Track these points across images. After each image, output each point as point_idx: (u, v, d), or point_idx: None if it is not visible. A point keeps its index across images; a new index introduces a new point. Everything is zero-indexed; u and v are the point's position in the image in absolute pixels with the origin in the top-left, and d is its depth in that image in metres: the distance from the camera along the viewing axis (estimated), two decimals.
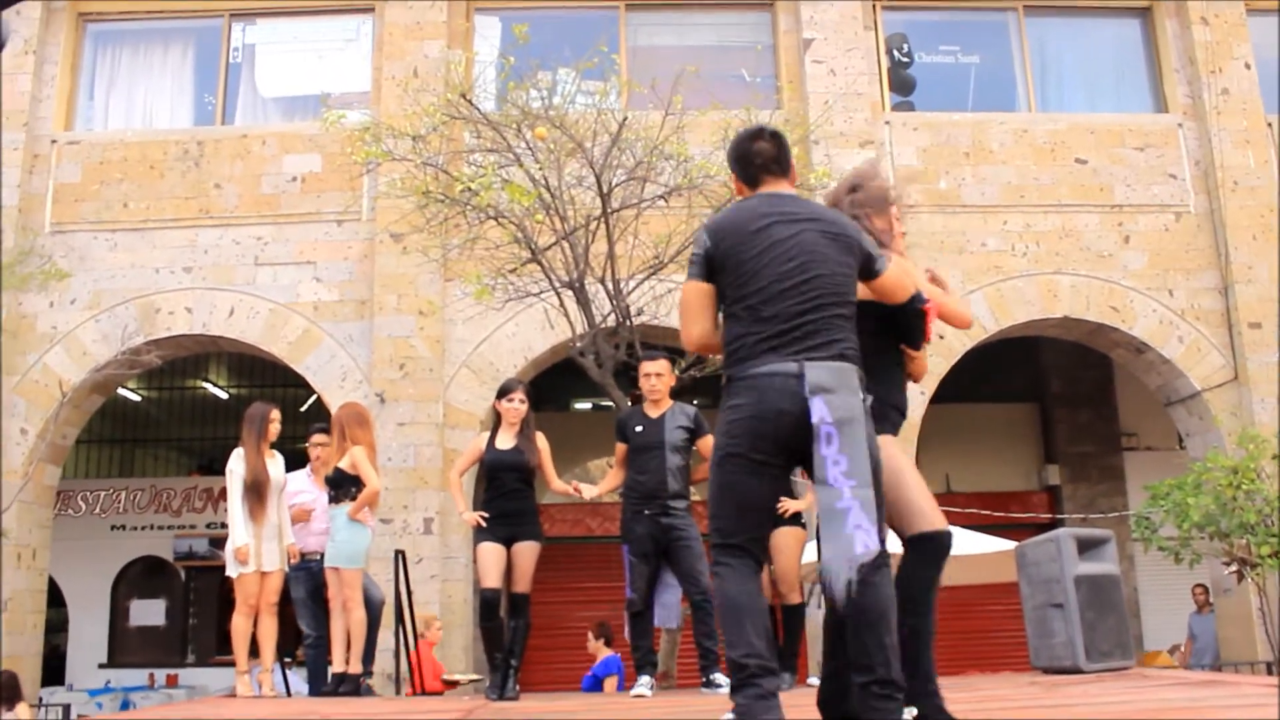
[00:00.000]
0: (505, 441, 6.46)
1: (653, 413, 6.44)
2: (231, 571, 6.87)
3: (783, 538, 6.37)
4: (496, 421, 6.60)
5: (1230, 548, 10.00)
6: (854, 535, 2.93)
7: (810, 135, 10.89)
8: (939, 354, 11.37)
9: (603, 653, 9.42)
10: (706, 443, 6.44)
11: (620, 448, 6.51)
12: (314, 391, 11.81)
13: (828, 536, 2.97)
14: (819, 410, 3.01)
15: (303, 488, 7.64)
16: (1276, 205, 11.80)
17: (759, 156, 3.50)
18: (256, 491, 6.89)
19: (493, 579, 6.22)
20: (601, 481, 6.74)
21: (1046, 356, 15.02)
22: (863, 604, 2.96)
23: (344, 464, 7.01)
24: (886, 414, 3.44)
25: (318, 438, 7.78)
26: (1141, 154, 12.10)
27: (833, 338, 3.14)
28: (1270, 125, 12.12)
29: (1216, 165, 11.86)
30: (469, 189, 8.26)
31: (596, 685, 9.25)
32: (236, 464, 6.98)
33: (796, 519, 6.47)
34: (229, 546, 6.92)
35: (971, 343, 11.52)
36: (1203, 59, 12.20)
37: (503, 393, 6.61)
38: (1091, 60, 13.14)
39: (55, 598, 13.73)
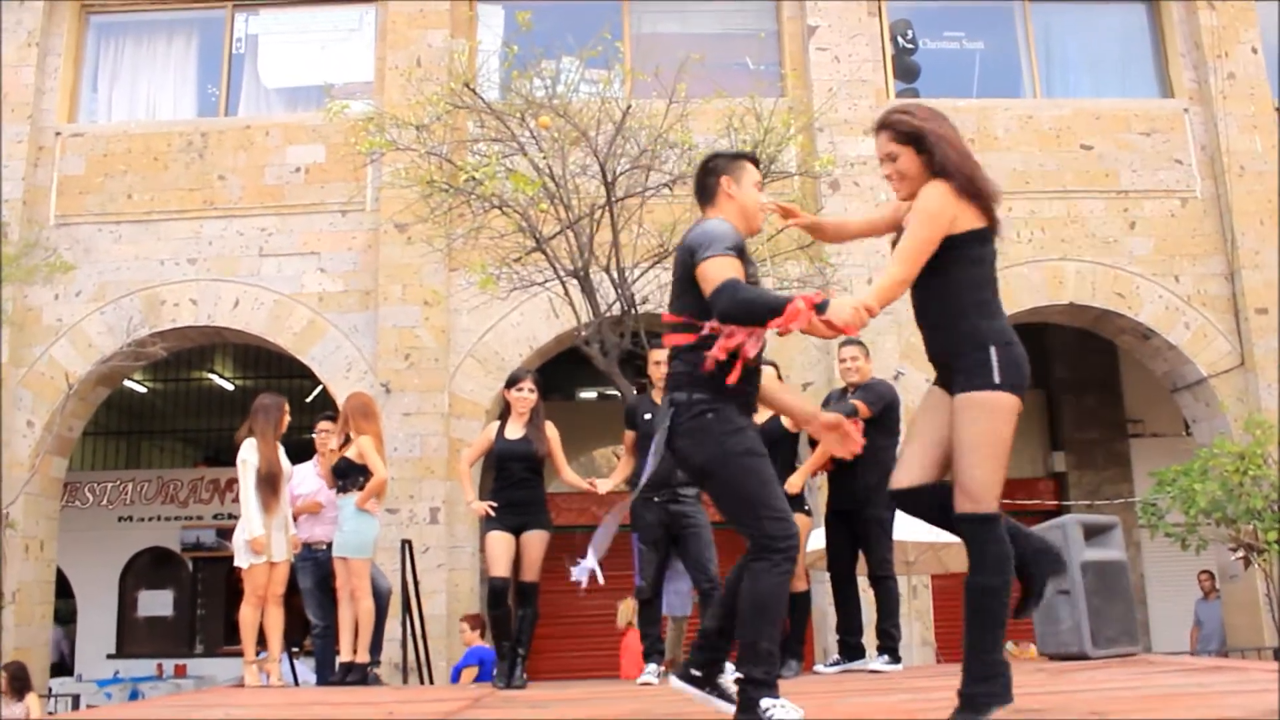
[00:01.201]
0: (514, 431, 6.48)
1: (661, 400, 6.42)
2: (241, 562, 6.87)
3: None
4: (506, 411, 6.61)
5: (1237, 534, 9.99)
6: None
7: (815, 123, 10.87)
8: None
9: (475, 643, 9.26)
10: None
11: (629, 435, 6.50)
12: (319, 382, 11.83)
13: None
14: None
15: (307, 478, 7.66)
16: None
17: None
18: (271, 483, 6.89)
19: (501, 568, 6.24)
20: (614, 473, 6.70)
21: (1052, 343, 14.99)
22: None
23: (351, 454, 7.05)
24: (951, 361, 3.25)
25: (324, 424, 7.80)
26: (1147, 139, 12.05)
27: (671, 376, 3.64)
28: (1277, 110, 12.06)
29: (1223, 150, 11.82)
30: (473, 178, 8.25)
31: (458, 677, 9.12)
32: (249, 454, 6.95)
33: (801, 505, 6.43)
34: (238, 537, 6.92)
35: None
36: (1209, 44, 12.14)
37: (512, 382, 6.61)
38: (1097, 45, 13.08)
39: (63, 589, 13.78)
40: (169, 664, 14.93)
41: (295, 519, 7.33)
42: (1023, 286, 11.60)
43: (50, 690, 11.55)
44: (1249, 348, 11.41)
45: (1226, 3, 12.30)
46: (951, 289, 3.23)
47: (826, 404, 6.74)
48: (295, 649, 9.90)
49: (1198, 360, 11.55)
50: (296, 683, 8.74)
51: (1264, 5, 12.50)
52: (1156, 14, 12.81)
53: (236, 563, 6.94)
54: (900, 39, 12.68)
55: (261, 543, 6.78)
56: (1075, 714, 3.58)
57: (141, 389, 16.13)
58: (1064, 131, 12.04)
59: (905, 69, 12.69)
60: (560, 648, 13.22)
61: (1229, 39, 12.16)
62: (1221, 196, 11.84)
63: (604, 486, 6.38)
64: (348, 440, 7.22)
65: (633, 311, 8.34)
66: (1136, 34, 12.97)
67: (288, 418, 7.20)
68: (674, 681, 3.62)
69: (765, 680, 3.30)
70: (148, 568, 15.75)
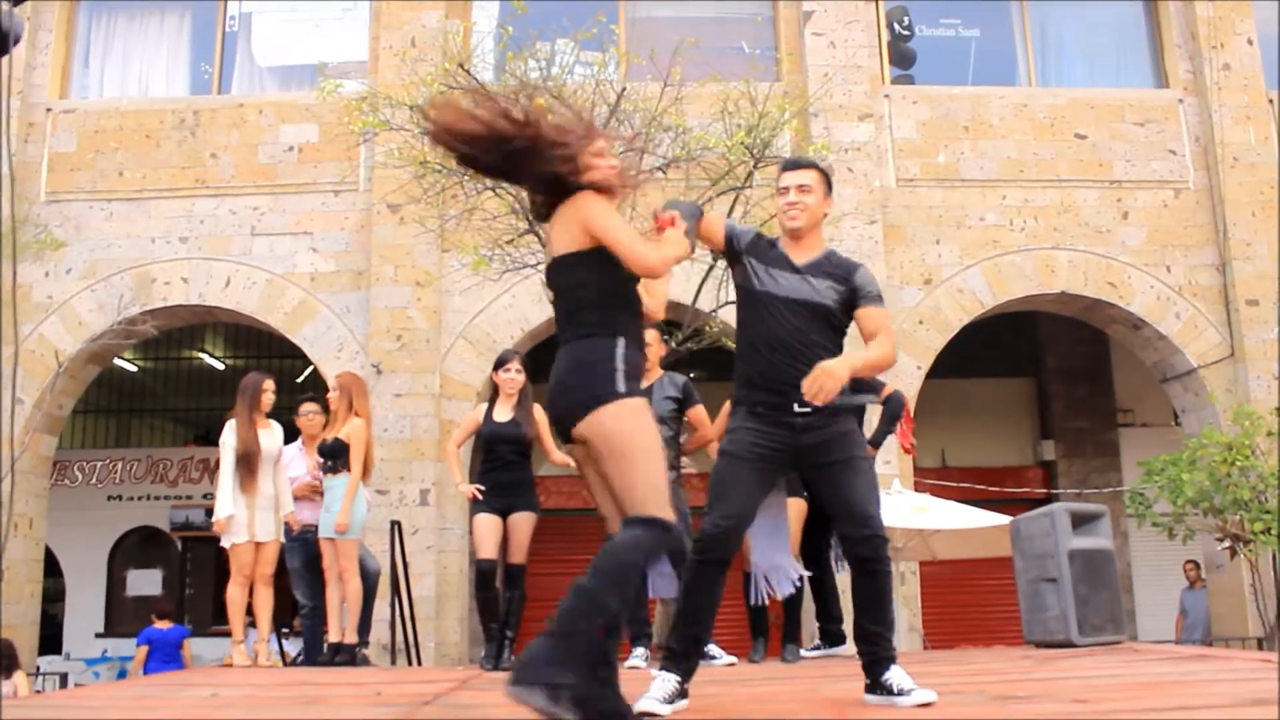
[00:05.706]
0: (503, 413, 6.47)
1: (641, 383, 6.38)
2: (225, 542, 6.87)
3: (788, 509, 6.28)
4: (494, 393, 6.60)
5: (1223, 524, 10.04)
6: None
7: (809, 108, 10.84)
8: (935, 329, 11.37)
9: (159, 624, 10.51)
10: (697, 413, 6.40)
11: None
12: (310, 362, 11.80)
13: None
14: None
15: (294, 460, 7.57)
16: (1276, 182, 11.78)
17: None
18: (247, 463, 6.88)
19: (489, 550, 6.24)
20: None
21: (1043, 331, 15.02)
22: None
23: (344, 434, 6.99)
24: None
25: (308, 405, 7.72)
26: (1141, 129, 12.05)
27: None
28: (1271, 101, 12.07)
29: (1216, 141, 11.82)
30: None
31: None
32: (228, 436, 6.98)
33: (798, 490, 6.34)
34: (218, 517, 6.91)
35: (968, 318, 11.52)
36: (1205, 34, 12.13)
37: (499, 364, 6.60)
38: (1092, 35, 13.07)
39: (52, 567, 13.76)
40: None
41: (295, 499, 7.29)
42: (1015, 275, 11.62)
43: (38, 668, 11.54)
44: (1239, 339, 11.44)
45: None
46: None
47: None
48: (285, 629, 9.91)
49: (1188, 351, 11.58)
50: (284, 663, 8.75)
51: None
52: (1153, 4, 12.79)
53: (221, 543, 6.94)
54: (896, 25, 12.65)
55: (224, 525, 6.76)
56: (1059, 701, 3.60)
57: (132, 367, 16.08)
58: (1058, 120, 12.03)
59: (901, 55, 12.66)
60: None
61: (1225, 30, 12.15)
62: (1214, 188, 11.85)
63: None
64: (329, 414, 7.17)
65: None
66: (1132, 24, 12.96)
67: (269, 395, 7.16)
68: (865, 697, 3.66)
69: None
70: (136, 547, 15.72)
